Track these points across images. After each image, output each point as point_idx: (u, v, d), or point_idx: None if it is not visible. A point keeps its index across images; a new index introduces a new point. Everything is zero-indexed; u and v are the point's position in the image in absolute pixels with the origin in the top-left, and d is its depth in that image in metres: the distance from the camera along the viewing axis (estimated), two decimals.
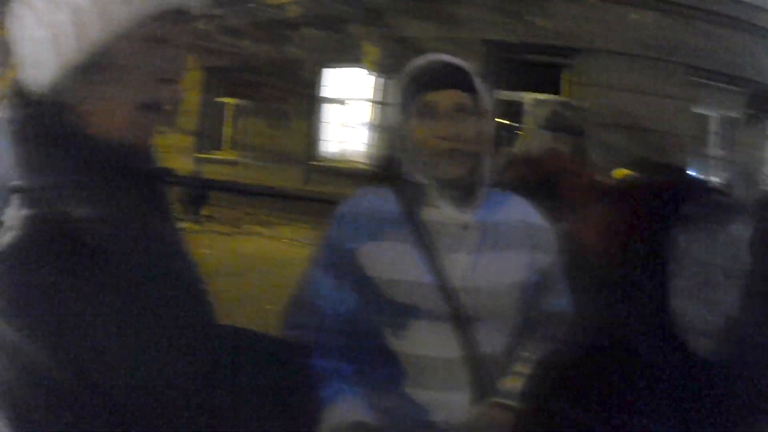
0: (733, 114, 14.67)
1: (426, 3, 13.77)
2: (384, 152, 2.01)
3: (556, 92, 13.75)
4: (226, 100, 18.88)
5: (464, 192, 1.79)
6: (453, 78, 1.79)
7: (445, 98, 1.75)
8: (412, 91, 1.80)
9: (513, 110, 13.85)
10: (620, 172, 7.46)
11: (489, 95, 1.82)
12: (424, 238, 1.74)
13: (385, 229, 1.77)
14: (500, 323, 1.79)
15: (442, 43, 13.01)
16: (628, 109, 12.72)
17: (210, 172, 17.92)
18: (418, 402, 1.69)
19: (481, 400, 1.71)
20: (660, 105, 13.15)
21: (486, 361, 1.73)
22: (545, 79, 13.86)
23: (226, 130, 18.81)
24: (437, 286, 1.70)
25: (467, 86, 1.79)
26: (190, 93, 18.21)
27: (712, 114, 14.56)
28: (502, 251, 1.80)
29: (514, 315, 1.82)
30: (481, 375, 1.72)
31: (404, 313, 1.72)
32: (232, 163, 17.65)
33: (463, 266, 1.74)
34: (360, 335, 1.75)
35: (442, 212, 1.76)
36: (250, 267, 10.12)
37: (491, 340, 1.75)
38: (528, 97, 12.65)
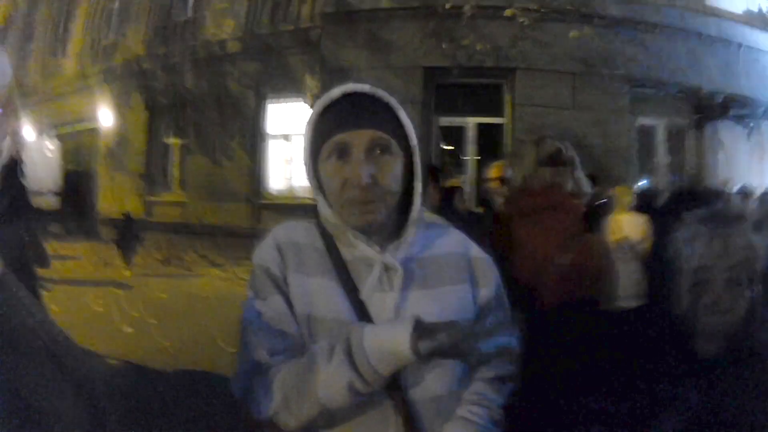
0: (679, 121, 14.79)
1: (362, 31, 13.80)
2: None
3: (497, 114, 13.86)
4: (172, 140, 18.77)
5: (386, 233, 1.66)
6: (368, 115, 1.58)
7: (358, 139, 1.55)
8: (322, 129, 1.60)
9: (454, 135, 14.09)
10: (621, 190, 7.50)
11: (412, 130, 1.63)
12: (345, 277, 1.63)
13: (311, 263, 1.65)
14: (434, 366, 1.60)
15: (382, 71, 13.11)
16: (570, 126, 12.78)
17: (161, 214, 17.91)
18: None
19: None
20: (604, 119, 13.27)
21: (418, 407, 1.58)
22: (485, 101, 14.01)
23: (174, 171, 18.69)
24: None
25: (385, 123, 1.59)
26: (137, 134, 18.31)
27: (657, 123, 14.60)
28: (432, 289, 1.66)
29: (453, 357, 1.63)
30: (414, 422, 1.56)
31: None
32: (182, 204, 17.58)
33: (387, 306, 1.60)
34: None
35: (362, 252, 1.63)
36: (206, 307, 10.29)
37: (423, 384, 1.59)
38: (531, 137, 12.67)
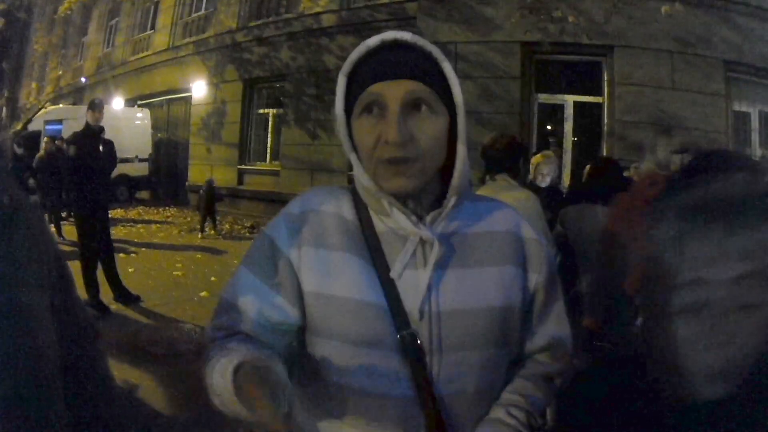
0: None
1: (461, 6, 13.77)
2: None
3: (596, 93, 13.71)
4: (268, 111, 19.18)
5: (426, 203, 1.46)
6: (408, 64, 1.37)
7: (395, 91, 1.34)
8: (357, 80, 1.39)
9: (553, 113, 14.10)
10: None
11: (458, 85, 1.41)
12: (376, 251, 1.43)
13: (335, 235, 1.45)
14: (468, 357, 1.42)
15: (480, 47, 13.19)
16: (668, 108, 12.68)
17: (253, 182, 18.26)
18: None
19: None
20: (701, 101, 12.91)
21: (448, 403, 1.41)
22: (584, 79, 13.87)
23: (269, 141, 19.09)
24: (387, 309, 1.39)
25: (427, 76, 1.37)
26: (232, 105, 18.62)
27: (752, 110, 14.03)
28: (471, 268, 1.46)
29: (488, 347, 1.44)
30: (442, 420, 1.39)
31: (346, 339, 1.39)
32: (275, 174, 17.95)
33: (419, 285, 1.40)
34: (305, 364, 1.47)
35: (397, 222, 1.43)
36: None
37: (456, 379, 1.41)
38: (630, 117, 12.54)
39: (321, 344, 1.43)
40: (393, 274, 1.40)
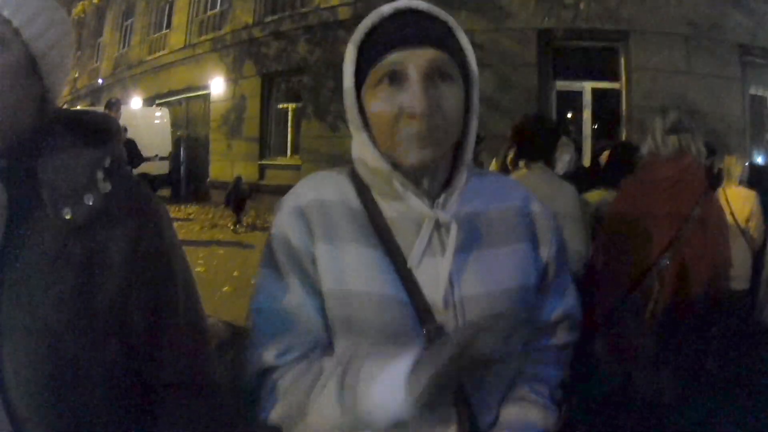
0: None
1: None
2: None
3: (614, 78, 13.75)
4: (287, 105, 19.29)
5: (436, 181, 1.39)
6: (428, 31, 1.29)
7: (416, 59, 1.26)
8: (371, 50, 1.30)
9: (572, 100, 14.14)
10: None
11: (473, 55, 1.35)
12: (388, 240, 1.36)
13: (345, 226, 1.37)
14: (500, 344, 1.29)
15: (497, 34, 13.25)
16: (684, 93, 12.68)
17: (274, 177, 18.41)
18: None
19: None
20: (717, 86, 12.95)
21: (474, 388, 1.36)
22: (602, 65, 13.89)
23: (289, 135, 19.22)
24: (408, 301, 1.32)
25: (446, 44, 1.30)
26: (252, 100, 18.69)
27: None
28: (489, 250, 1.41)
29: (510, 328, 1.39)
30: (470, 406, 1.35)
31: (368, 335, 1.32)
32: (295, 168, 17.97)
33: (440, 275, 1.33)
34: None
35: (409, 204, 1.35)
36: None
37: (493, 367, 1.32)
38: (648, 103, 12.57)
39: (341, 342, 1.37)
40: (411, 264, 1.34)
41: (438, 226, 1.35)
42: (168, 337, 1.29)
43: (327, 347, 1.38)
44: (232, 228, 14.72)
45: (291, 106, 19.04)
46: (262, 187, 17.69)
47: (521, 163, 3.77)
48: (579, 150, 6.66)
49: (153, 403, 1.29)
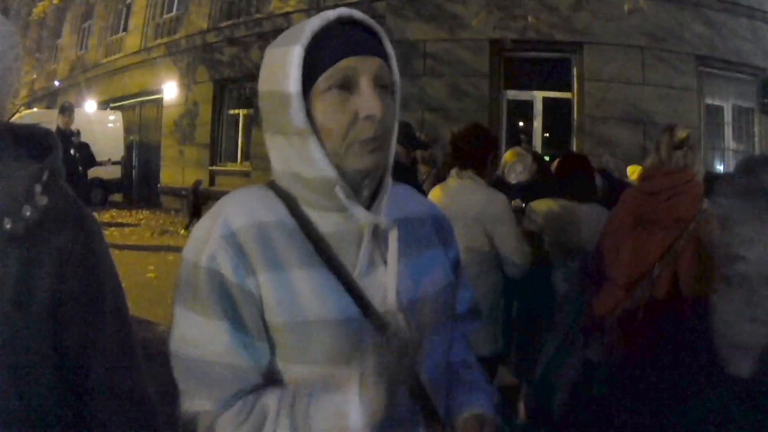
0: (746, 104, 14.31)
1: (430, 5, 13.79)
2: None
3: (565, 89, 13.76)
4: (238, 111, 19.18)
5: (373, 188, 1.38)
6: (372, 41, 1.32)
7: (367, 66, 1.28)
8: (320, 56, 1.28)
9: (522, 109, 14.09)
10: (633, 168, 7.39)
11: (396, 64, 1.36)
12: (329, 257, 1.31)
13: (286, 249, 1.30)
14: (437, 339, 1.42)
15: (449, 44, 13.17)
16: (638, 102, 12.75)
17: (225, 183, 18.23)
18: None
19: (435, 426, 1.39)
20: (672, 96, 13.01)
21: (433, 387, 1.40)
22: (553, 75, 13.91)
23: (240, 141, 19.11)
24: (361, 316, 1.30)
25: (385, 53, 1.34)
26: (204, 106, 18.61)
27: (724, 104, 14.20)
28: (424, 251, 1.47)
29: (445, 325, 1.48)
30: (434, 406, 1.40)
31: (328, 360, 1.27)
32: (246, 174, 17.91)
33: (386, 283, 1.34)
34: None
35: (351, 216, 1.32)
36: None
37: (432, 362, 1.40)
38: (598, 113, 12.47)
39: (297, 370, 1.29)
40: (356, 277, 1.31)
41: (376, 234, 1.35)
42: (97, 346, 1.33)
43: (260, 385, 1.29)
44: (182, 231, 14.86)
45: (242, 112, 18.97)
46: (213, 193, 17.53)
47: (453, 171, 3.85)
48: (540, 160, 6.64)
49: (84, 411, 1.33)
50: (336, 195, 1.29)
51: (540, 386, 4.33)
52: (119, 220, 17.61)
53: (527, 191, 5.37)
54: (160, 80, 20.61)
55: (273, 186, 1.38)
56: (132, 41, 22.89)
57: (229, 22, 18.56)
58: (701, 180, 3.57)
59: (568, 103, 13.72)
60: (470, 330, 1.69)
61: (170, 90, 20.45)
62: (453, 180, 3.82)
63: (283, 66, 1.27)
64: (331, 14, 1.30)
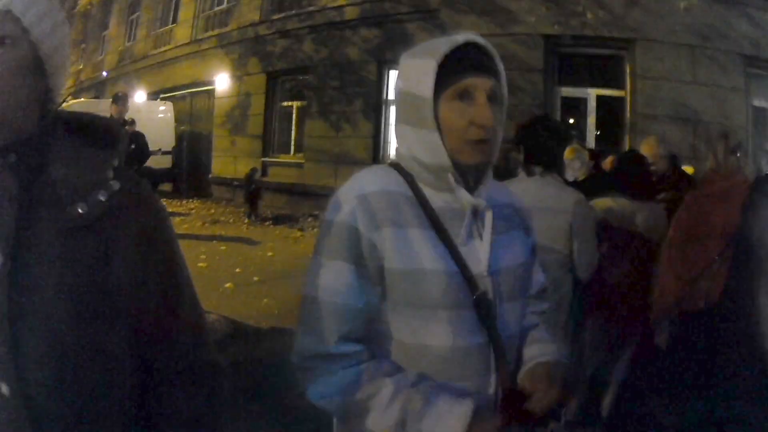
0: None
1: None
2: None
3: (618, 86, 13.79)
4: (291, 103, 19.32)
5: (476, 177, 1.71)
6: (489, 63, 1.65)
7: (483, 85, 1.61)
8: (449, 72, 1.62)
9: (576, 106, 14.14)
10: (688, 169, 7.47)
11: (506, 84, 1.70)
12: (439, 225, 1.65)
13: (406, 212, 1.64)
14: (516, 306, 1.78)
15: (503, 39, 13.29)
16: (688, 101, 12.79)
17: (277, 174, 18.48)
18: (449, 393, 1.57)
19: (509, 379, 1.70)
20: (721, 96, 13.00)
21: (508, 343, 1.71)
22: (606, 72, 13.94)
23: (292, 133, 19.25)
24: (461, 273, 1.62)
25: (498, 73, 1.66)
26: (256, 97, 18.70)
27: None
28: (509, 232, 1.79)
29: (524, 296, 1.85)
30: (506, 357, 1.70)
31: (430, 305, 1.61)
32: (298, 166, 18.09)
33: (481, 256, 1.67)
34: (381, 333, 1.66)
35: (458, 197, 1.67)
36: None
37: (510, 324, 1.73)
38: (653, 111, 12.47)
39: (404, 313, 1.63)
40: (458, 244, 1.65)
41: (475, 213, 1.69)
42: (175, 324, 1.39)
43: (383, 341, 1.65)
44: (246, 221, 15.20)
45: (295, 104, 19.05)
46: (265, 184, 17.72)
47: (532, 169, 3.74)
48: (595, 156, 6.69)
49: (158, 387, 1.37)
50: (448, 179, 1.65)
51: (591, 384, 4.42)
52: (170, 210, 17.32)
53: (582, 189, 5.14)
54: (211, 72, 20.78)
55: (396, 166, 1.73)
56: (182, 33, 23.13)
57: (281, 15, 18.68)
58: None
59: (621, 100, 13.71)
60: (540, 310, 2.00)
61: (222, 81, 20.62)
62: (536, 180, 3.69)
63: (420, 74, 1.63)
64: (460, 39, 1.64)
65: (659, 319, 3.71)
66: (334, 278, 1.60)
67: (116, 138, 1.38)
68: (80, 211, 1.23)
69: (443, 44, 1.64)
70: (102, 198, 1.25)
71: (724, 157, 3.70)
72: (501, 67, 1.68)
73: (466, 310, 1.63)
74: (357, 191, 1.64)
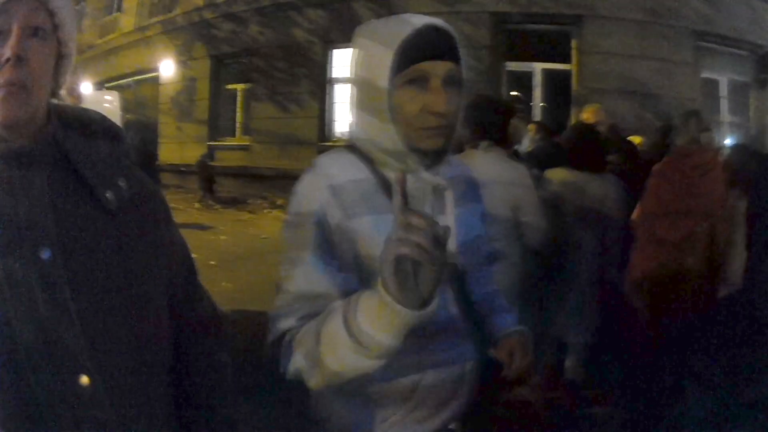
0: (742, 78, 14.44)
1: None
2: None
3: (564, 60, 13.86)
4: (237, 86, 19.13)
5: (435, 158, 1.68)
6: (447, 47, 1.60)
7: (439, 69, 1.57)
8: (405, 57, 1.57)
9: (521, 81, 14.17)
10: (635, 139, 7.51)
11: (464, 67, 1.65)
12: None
13: (372, 199, 1.64)
14: (480, 275, 1.84)
15: (450, 17, 13.19)
16: (636, 75, 12.91)
17: (224, 158, 18.22)
18: (426, 359, 1.61)
19: (486, 343, 1.77)
20: (669, 69, 13.18)
21: (478, 312, 1.77)
22: (553, 47, 14.00)
23: (238, 116, 19.08)
24: None
25: (457, 56, 1.61)
26: (201, 82, 18.58)
27: (720, 78, 14.33)
28: (467, 205, 1.80)
29: (486, 264, 1.92)
30: (479, 327, 1.75)
31: None
32: (246, 149, 17.93)
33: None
34: None
35: (420, 178, 1.64)
36: (269, 249, 10.03)
37: (477, 292, 1.79)
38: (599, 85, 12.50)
39: None
40: None
41: (436, 191, 1.69)
42: (198, 286, 1.55)
43: None
44: (197, 205, 15.34)
45: (240, 87, 18.92)
46: (214, 169, 17.57)
47: (485, 143, 3.81)
48: (547, 129, 6.82)
49: (189, 339, 1.48)
50: (407, 161, 1.62)
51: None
52: None
53: (536, 160, 5.26)
54: (156, 58, 20.54)
55: (353, 150, 1.70)
56: (127, 21, 22.77)
57: None
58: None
59: (566, 74, 13.82)
60: (493, 278, 1.99)
61: (167, 67, 20.40)
62: (479, 154, 3.76)
63: (376, 62, 1.57)
64: (418, 23, 1.57)
65: (637, 285, 3.90)
66: (306, 271, 1.58)
67: (120, 133, 1.41)
68: (108, 197, 1.26)
69: (401, 29, 1.58)
70: (123, 185, 1.30)
71: (697, 132, 3.85)
72: (460, 51, 1.63)
73: (441, 285, 1.52)
74: (325, 182, 1.62)
